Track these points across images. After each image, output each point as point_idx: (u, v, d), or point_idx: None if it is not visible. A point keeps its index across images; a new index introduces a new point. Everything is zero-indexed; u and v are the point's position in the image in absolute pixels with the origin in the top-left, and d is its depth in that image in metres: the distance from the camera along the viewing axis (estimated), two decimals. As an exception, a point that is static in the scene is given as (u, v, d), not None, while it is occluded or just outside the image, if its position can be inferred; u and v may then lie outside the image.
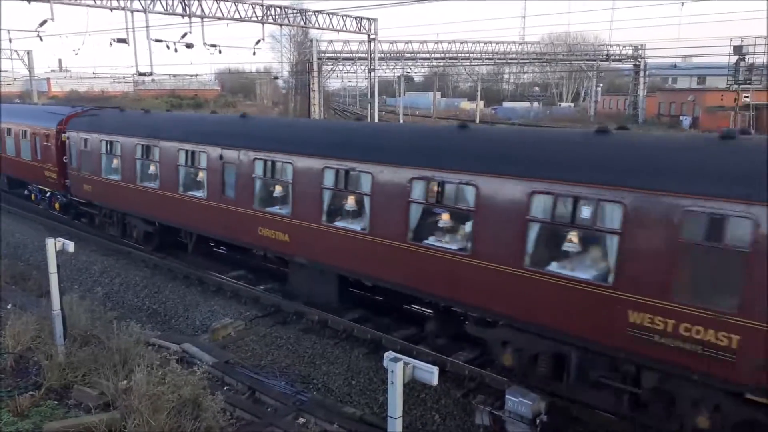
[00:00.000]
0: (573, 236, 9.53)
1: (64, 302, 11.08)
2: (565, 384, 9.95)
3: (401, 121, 58.68)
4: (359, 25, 41.85)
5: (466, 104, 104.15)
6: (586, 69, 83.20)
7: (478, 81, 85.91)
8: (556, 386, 10.07)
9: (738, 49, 50.49)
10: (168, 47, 31.54)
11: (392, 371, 6.12)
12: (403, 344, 12.32)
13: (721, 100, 64.97)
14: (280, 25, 39.22)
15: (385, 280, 12.53)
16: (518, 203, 9.89)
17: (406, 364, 6.14)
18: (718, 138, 9.20)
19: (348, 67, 73.61)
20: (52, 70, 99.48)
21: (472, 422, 10.32)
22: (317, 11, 39.32)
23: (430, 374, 6.13)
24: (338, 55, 60.19)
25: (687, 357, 8.35)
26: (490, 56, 68.30)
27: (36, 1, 26.32)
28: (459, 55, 66.30)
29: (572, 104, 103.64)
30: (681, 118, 69.48)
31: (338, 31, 41.12)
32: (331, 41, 58.74)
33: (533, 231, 9.78)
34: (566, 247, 9.62)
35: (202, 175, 16.30)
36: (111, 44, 29.08)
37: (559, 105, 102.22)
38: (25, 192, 26.20)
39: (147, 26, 29.20)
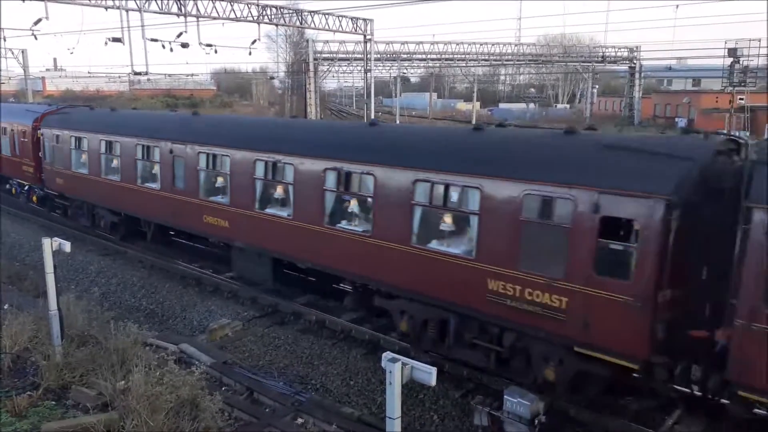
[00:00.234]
0: (447, 217, 11.12)
1: (61, 302, 11.04)
2: (446, 346, 11.43)
3: (397, 122, 58.73)
4: (355, 25, 41.86)
5: (462, 105, 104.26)
6: (581, 71, 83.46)
7: (474, 82, 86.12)
8: (440, 348, 11.56)
9: (733, 52, 50.71)
10: (163, 47, 31.45)
11: (390, 372, 6.12)
12: (402, 345, 12.35)
13: (716, 102, 65.29)
14: (276, 25, 39.21)
15: (308, 261, 13.92)
16: (406, 190, 11.41)
17: (404, 364, 6.14)
18: (563, 133, 10.90)
19: (344, 68, 73.69)
20: (47, 69, 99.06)
21: (470, 423, 10.35)
22: (313, 11, 39.32)
23: (429, 375, 6.13)
24: (334, 55, 60.20)
25: (532, 317, 9.81)
26: (486, 57, 68.42)
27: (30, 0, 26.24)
28: (455, 56, 66.37)
29: (568, 106, 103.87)
30: (676, 119, 69.78)
31: (334, 31, 41.16)
32: (327, 42, 58.77)
33: (417, 214, 11.36)
34: (442, 226, 11.18)
35: (156, 168, 17.58)
36: (106, 43, 28.98)
37: (555, 106, 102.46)
38: (7, 186, 27.40)
39: (142, 25, 29.14)
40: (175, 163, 16.78)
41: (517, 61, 73.92)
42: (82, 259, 19.29)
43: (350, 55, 59.24)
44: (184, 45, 31.62)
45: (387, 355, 6.27)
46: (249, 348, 13.29)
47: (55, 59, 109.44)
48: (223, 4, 33.13)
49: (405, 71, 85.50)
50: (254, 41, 35.77)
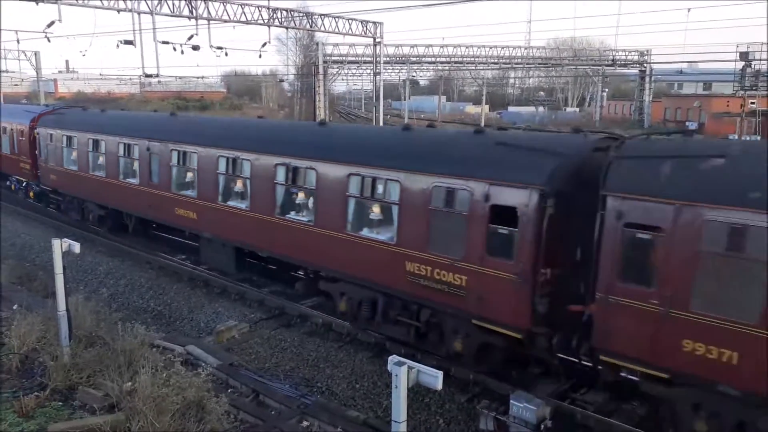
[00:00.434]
0: (375, 207, 12.44)
1: (70, 303, 11.08)
2: (376, 322, 12.77)
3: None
4: (365, 28, 41.89)
5: (471, 108, 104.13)
6: (591, 74, 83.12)
7: (483, 85, 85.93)
8: (372, 325, 12.94)
9: (744, 56, 50.35)
10: (174, 49, 31.58)
11: (396, 375, 6.09)
12: (407, 348, 12.32)
13: (727, 106, 64.85)
14: (287, 28, 39.24)
15: (265, 250, 15.20)
16: (341, 183, 12.70)
17: (410, 368, 6.12)
18: (473, 133, 12.35)
19: (353, 71, 73.77)
20: (60, 71, 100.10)
21: (476, 427, 10.31)
22: (323, 14, 39.37)
23: (435, 378, 6.11)
24: (344, 58, 60.32)
25: (441, 295, 11.07)
26: (496, 60, 68.24)
27: (44, 2, 26.47)
28: (464, 59, 66.25)
29: (577, 109, 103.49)
30: (687, 123, 69.28)
31: (344, 34, 41.20)
32: (337, 44, 58.96)
33: (351, 204, 12.65)
34: (372, 216, 12.50)
35: (135, 165, 19.04)
36: (118, 46, 29.20)
37: (564, 110, 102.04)
38: (7, 183, 28.81)
39: (154, 28, 29.31)
40: (152, 160, 18.15)
41: (527, 64, 73.70)
42: (91, 260, 19.41)
43: (359, 58, 59.33)
44: (195, 47, 31.76)
45: (393, 358, 6.24)
46: (255, 350, 13.31)
47: (67, 61, 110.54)
48: (234, 7, 33.27)
49: (414, 74, 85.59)
50: (264, 44, 35.88)
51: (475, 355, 11.17)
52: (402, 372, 6.06)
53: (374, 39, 43.34)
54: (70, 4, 27.44)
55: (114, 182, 20.01)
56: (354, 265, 12.67)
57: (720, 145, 9.94)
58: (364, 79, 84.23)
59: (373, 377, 11.91)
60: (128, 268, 18.96)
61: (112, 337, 11.18)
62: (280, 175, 14.15)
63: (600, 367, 9.87)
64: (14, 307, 13.44)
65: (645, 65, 73.94)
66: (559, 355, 10.55)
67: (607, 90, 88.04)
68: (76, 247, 10.70)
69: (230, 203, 15.67)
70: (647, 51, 72.75)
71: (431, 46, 63.91)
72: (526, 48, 70.29)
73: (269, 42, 35.98)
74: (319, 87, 54.62)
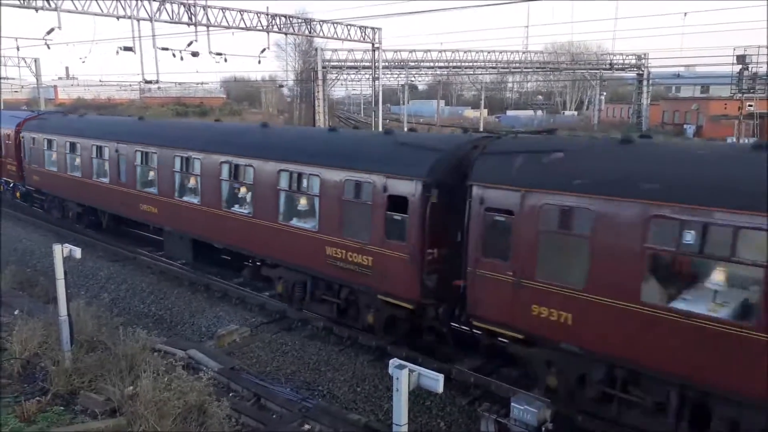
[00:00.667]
0: (302, 199, 13.93)
1: (71, 308, 11.11)
2: (306, 302, 14.35)
3: (405, 129, 58.79)
4: (363, 34, 42.04)
5: (470, 112, 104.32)
6: (589, 78, 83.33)
7: (482, 89, 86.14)
8: (303, 305, 14.53)
9: (741, 59, 50.49)
10: (174, 55, 31.64)
11: (397, 378, 6.12)
12: (409, 352, 12.35)
13: (725, 108, 64.98)
14: (286, 33, 39.40)
15: (217, 241, 16.61)
16: (273, 178, 14.19)
17: (411, 371, 6.14)
18: (383, 134, 14.33)
19: (352, 76, 73.94)
20: (60, 78, 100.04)
21: (477, 430, 10.33)
22: (322, 20, 39.53)
23: (436, 381, 6.13)
24: (343, 63, 60.43)
25: (354, 274, 12.59)
26: (494, 65, 68.41)
27: (43, 9, 26.58)
28: (463, 63, 66.42)
29: (576, 113, 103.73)
30: (685, 126, 69.49)
31: (343, 40, 41.30)
32: (336, 50, 58.97)
33: (282, 197, 14.23)
34: (299, 207, 14.08)
35: (106, 165, 20.60)
36: (117, 52, 29.24)
37: (563, 113, 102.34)
38: None
39: (153, 35, 29.39)
40: (120, 160, 19.83)
41: (525, 68, 73.90)
42: (92, 265, 19.44)
43: (358, 64, 59.45)
44: (195, 54, 31.83)
45: (394, 361, 6.27)
46: (257, 354, 13.33)
47: (67, 68, 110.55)
48: (233, 13, 33.40)
49: (413, 79, 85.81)
50: (264, 50, 35.99)
51: (384, 326, 12.80)
52: (403, 375, 6.09)
53: (373, 44, 43.50)
54: (70, 12, 27.53)
55: (88, 181, 21.62)
56: (286, 251, 14.21)
57: (563, 142, 11.34)
58: (363, 84, 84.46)
59: (374, 380, 11.94)
60: (129, 272, 18.99)
61: (114, 341, 11.20)
62: (225, 172, 15.71)
63: (477, 333, 11.44)
64: (16, 313, 13.44)
65: (642, 69, 74.13)
66: (453, 324, 12.03)
67: (605, 93, 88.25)
68: (77, 253, 10.71)
69: (185, 198, 17.25)
70: (645, 55, 72.99)
71: (430, 51, 64.10)
72: (524, 52, 70.46)
73: (268, 48, 36.13)
74: (318, 92, 54.79)
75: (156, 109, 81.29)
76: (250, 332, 14.27)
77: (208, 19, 32.06)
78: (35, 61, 57.60)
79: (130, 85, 79.82)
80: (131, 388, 9.59)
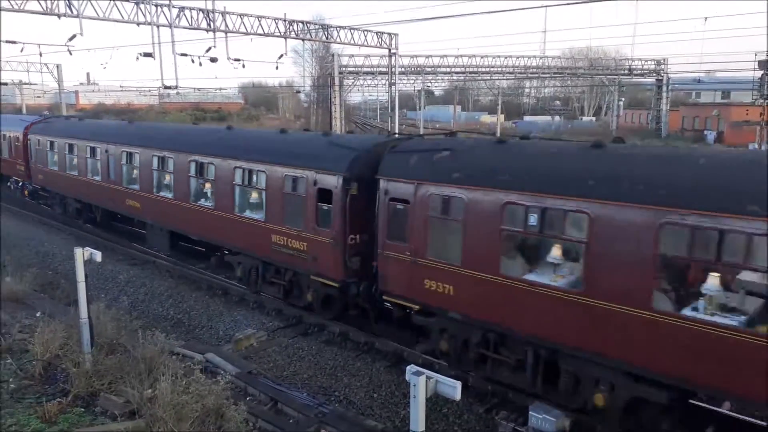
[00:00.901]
0: (253, 193, 15.72)
1: (91, 311, 11.24)
2: (257, 285, 16.11)
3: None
4: (380, 39, 42.10)
5: (486, 118, 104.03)
6: (607, 83, 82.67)
7: (499, 95, 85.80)
8: (258, 287, 16.21)
9: (763, 64, 49.70)
10: (193, 61, 31.92)
11: (414, 385, 6.08)
12: (425, 358, 12.31)
13: (746, 114, 64.04)
14: (303, 39, 39.54)
15: (188, 232, 18.56)
16: (230, 175, 16.07)
17: (428, 378, 6.11)
18: (322, 135, 15.93)
19: (369, 81, 74.09)
20: (81, 83, 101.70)
21: (494, 438, 10.24)
22: (339, 26, 39.65)
23: (453, 389, 6.08)
24: (359, 69, 60.63)
25: (293, 259, 14.39)
26: (511, 70, 68.16)
27: (66, 16, 26.99)
28: (479, 69, 66.24)
29: (593, 118, 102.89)
30: (705, 132, 68.59)
31: (360, 45, 41.33)
32: (353, 56, 59.20)
33: (237, 191, 15.99)
34: (251, 200, 15.73)
35: (98, 164, 22.56)
36: (137, 58, 29.56)
37: (581, 119, 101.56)
38: (7, 183, 32.70)
39: (172, 41, 29.65)
40: (110, 160, 21.76)
41: (542, 74, 73.52)
42: (112, 268, 19.67)
43: (375, 69, 59.59)
44: (213, 59, 32.08)
45: (411, 368, 6.23)
46: (273, 358, 13.37)
47: (88, 74, 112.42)
48: (251, 19, 33.60)
49: (429, 84, 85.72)
50: (281, 56, 36.14)
51: (321, 304, 14.51)
52: (420, 382, 6.05)
53: (389, 50, 43.52)
54: (91, 18, 27.91)
55: (84, 179, 23.70)
56: (241, 240, 16.00)
57: (452, 143, 12.54)
58: (380, 89, 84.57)
59: (391, 387, 11.91)
60: (148, 276, 19.17)
61: (133, 344, 11.29)
62: (192, 169, 17.59)
63: (390, 306, 12.95)
64: (38, 314, 13.64)
65: (662, 74, 73.35)
66: (387, 303, 12.98)
67: (623, 99, 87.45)
68: (98, 256, 10.82)
69: (161, 194, 19.10)
70: (664, 60, 72.21)
71: (446, 56, 64.03)
72: (541, 57, 70.13)
73: (286, 54, 36.28)
74: (335, 98, 54.99)
75: (175, 114, 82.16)
76: (267, 336, 14.32)
77: (226, 25, 32.31)
78: (57, 66, 58.52)
79: (150, 91, 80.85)
80: (150, 390, 9.65)
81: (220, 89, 73.19)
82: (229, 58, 32.96)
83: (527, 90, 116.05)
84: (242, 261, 16.38)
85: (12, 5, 25.05)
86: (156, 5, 28.46)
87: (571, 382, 9.97)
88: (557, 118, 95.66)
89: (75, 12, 26.54)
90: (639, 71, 74.39)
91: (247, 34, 33.46)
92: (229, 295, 17.08)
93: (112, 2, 27.42)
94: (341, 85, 57.97)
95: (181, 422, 8.81)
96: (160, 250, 20.38)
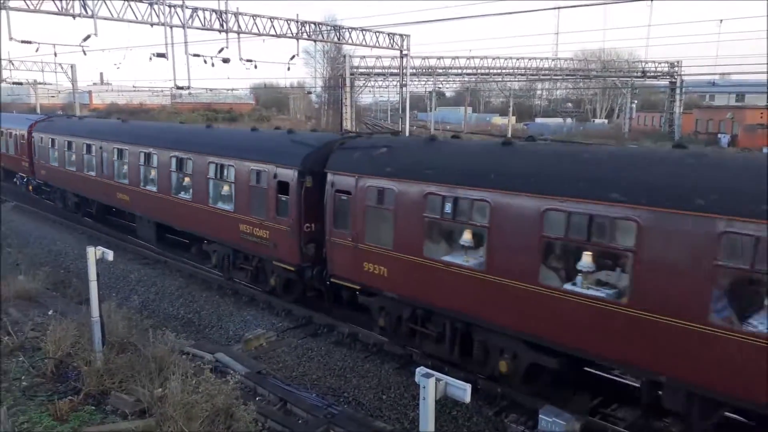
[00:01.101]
0: (225, 186, 16.92)
1: (103, 310, 11.30)
2: (229, 271, 17.54)
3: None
4: (392, 41, 42.09)
5: (497, 119, 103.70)
6: (620, 85, 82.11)
7: (510, 96, 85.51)
8: (230, 273, 17.62)
9: (779, 66, 49.17)
10: (205, 62, 32.09)
11: (424, 387, 6.06)
12: (434, 361, 12.26)
13: (761, 117, 63.39)
14: (315, 41, 39.60)
15: (170, 223, 19.88)
16: (205, 170, 17.46)
17: (438, 380, 6.09)
18: (286, 133, 16.91)
19: (380, 83, 74.11)
20: (94, 83, 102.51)
21: (503, 441, 10.19)
22: (351, 27, 39.71)
23: (463, 391, 6.05)
24: (370, 70, 60.65)
25: (258, 246, 15.70)
26: (523, 72, 67.85)
27: (81, 16, 27.23)
28: (491, 70, 66.00)
29: (606, 121, 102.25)
30: (719, 135, 67.93)
31: (371, 47, 41.37)
32: (364, 57, 59.27)
33: (211, 185, 17.41)
34: (222, 192, 17.08)
35: (94, 160, 24.02)
36: (150, 59, 29.74)
37: (593, 121, 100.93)
38: (14, 180, 34.31)
39: (185, 41, 29.82)
40: (103, 156, 23.23)
41: (554, 75, 73.14)
42: (123, 267, 19.80)
43: (386, 70, 59.59)
44: (225, 60, 32.22)
45: (421, 370, 6.21)
46: (283, 359, 13.39)
47: (101, 74, 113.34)
48: (264, 20, 33.71)
49: (440, 86, 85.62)
50: (293, 57, 36.26)
51: (283, 288, 15.75)
52: (430, 384, 6.03)
53: (401, 51, 43.51)
54: (106, 18, 28.14)
55: (81, 175, 25.25)
56: (215, 229, 17.39)
57: (391, 141, 13.98)
58: (391, 90, 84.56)
59: (400, 388, 11.88)
60: (159, 275, 19.28)
61: (144, 343, 11.34)
62: (174, 164, 18.90)
63: (336, 288, 14.27)
64: (50, 313, 13.76)
65: (675, 76, 72.71)
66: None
67: (636, 101, 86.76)
68: (110, 255, 10.88)
69: (147, 187, 20.49)
70: (678, 62, 71.57)
71: (458, 57, 63.89)
72: (553, 59, 69.80)
73: (297, 55, 36.38)
74: (345, 99, 55.06)
75: (187, 115, 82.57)
76: (277, 337, 14.34)
77: (239, 26, 32.45)
78: (72, 67, 59.06)
79: (162, 91, 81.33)
80: (160, 389, 9.68)
81: (232, 90, 73.40)
82: (241, 59, 33.10)
83: (539, 92, 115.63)
84: (217, 249, 17.78)
85: (28, 5, 25.31)
86: (169, 6, 28.67)
87: (482, 351, 11.27)
88: (569, 120, 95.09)
89: (90, 12, 26.77)
90: (652, 73, 73.81)
91: (259, 35, 33.58)
92: (239, 295, 17.14)
93: (126, 3, 27.62)
94: (352, 86, 58.04)
95: (191, 421, 8.83)
96: (149, 241, 21.65)
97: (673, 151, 9.87)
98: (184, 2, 29.08)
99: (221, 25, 31.54)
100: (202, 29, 31.40)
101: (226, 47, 31.90)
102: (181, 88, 33.16)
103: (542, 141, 12.14)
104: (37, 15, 26.08)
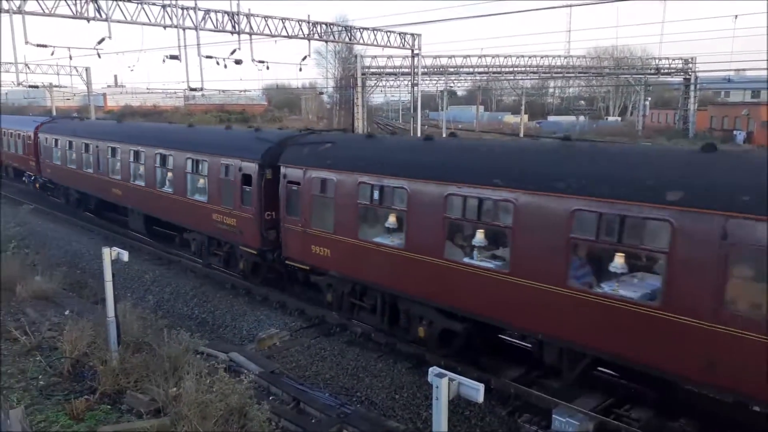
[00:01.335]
0: (201, 180, 18.59)
1: (118, 310, 11.40)
2: (205, 258, 19.22)
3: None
4: (403, 40, 42.06)
5: (509, 118, 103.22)
6: (633, 83, 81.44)
7: (522, 95, 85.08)
8: (206, 259, 19.29)
9: (796, 62, 48.49)
10: (218, 63, 32.27)
11: (437, 387, 6.04)
12: (447, 361, 12.26)
13: (777, 114, 62.51)
14: (326, 41, 39.68)
15: (156, 214, 21.54)
16: (183, 165, 19.16)
17: (451, 380, 6.08)
18: (254, 131, 18.70)
19: (391, 82, 74.11)
20: (108, 86, 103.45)
21: (516, 441, 10.17)
22: (362, 28, 39.74)
23: (476, 391, 6.02)
24: (382, 70, 60.69)
25: (228, 233, 17.36)
26: (535, 70, 67.51)
27: (95, 20, 27.50)
28: (503, 69, 65.72)
29: (619, 118, 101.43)
30: (734, 132, 67.13)
31: (382, 46, 41.36)
32: (375, 57, 59.29)
33: (188, 178, 19.07)
34: (198, 185, 18.82)
35: (91, 159, 25.73)
36: (164, 61, 29.95)
37: (606, 119, 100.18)
38: (23, 178, 36.72)
39: (198, 43, 30.00)
40: (99, 154, 24.90)
41: (567, 73, 72.69)
42: (138, 268, 19.98)
43: (397, 70, 59.58)
44: (238, 62, 32.38)
45: (434, 369, 6.20)
46: (296, 358, 13.44)
47: (115, 76, 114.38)
48: (276, 21, 33.82)
49: (452, 85, 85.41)
50: (304, 57, 36.37)
51: (251, 271, 17.22)
52: (443, 384, 6.01)
53: (412, 51, 43.47)
54: (120, 21, 28.40)
55: (80, 172, 26.95)
56: (192, 219, 19.05)
57: (337, 137, 15.83)
58: (402, 90, 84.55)
59: (413, 388, 11.89)
60: (173, 276, 19.44)
61: (158, 343, 11.41)
62: (158, 161, 20.49)
63: (292, 269, 15.69)
64: (66, 313, 13.92)
65: (689, 73, 71.92)
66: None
67: (650, 99, 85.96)
68: (125, 256, 10.97)
69: (136, 182, 22.14)
70: (692, 59, 70.79)
71: (469, 56, 63.72)
72: (566, 57, 69.39)
73: (309, 56, 36.48)
74: (357, 99, 55.15)
75: (199, 116, 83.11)
76: (290, 336, 14.41)
77: (251, 27, 32.57)
78: (86, 69, 59.66)
79: (175, 92, 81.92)
80: (175, 389, 9.76)
81: (245, 91, 73.78)
82: (253, 60, 33.24)
83: (551, 90, 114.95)
84: (195, 237, 19.53)
85: (43, 9, 25.63)
86: (182, 8, 28.87)
87: (406, 320, 12.91)
88: (582, 118, 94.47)
89: (104, 15, 27.02)
90: (666, 70, 73.09)
91: (271, 36, 33.70)
92: (252, 295, 17.24)
93: (139, 5, 27.84)
94: (364, 86, 58.11)
95: (205, 421, 8.88)
96: (139, 232, 23.42)
97: (552, 143, 11.98)
98: (196, 4, 29.27)
99: (233, 27, 31.70)
100: (214, 31, 31.58)
101: (239, 48, 32.06)
102: (194, 89, 33.35)
103: (453, 137, 14.26)
104: (52, 18, 26.43)
